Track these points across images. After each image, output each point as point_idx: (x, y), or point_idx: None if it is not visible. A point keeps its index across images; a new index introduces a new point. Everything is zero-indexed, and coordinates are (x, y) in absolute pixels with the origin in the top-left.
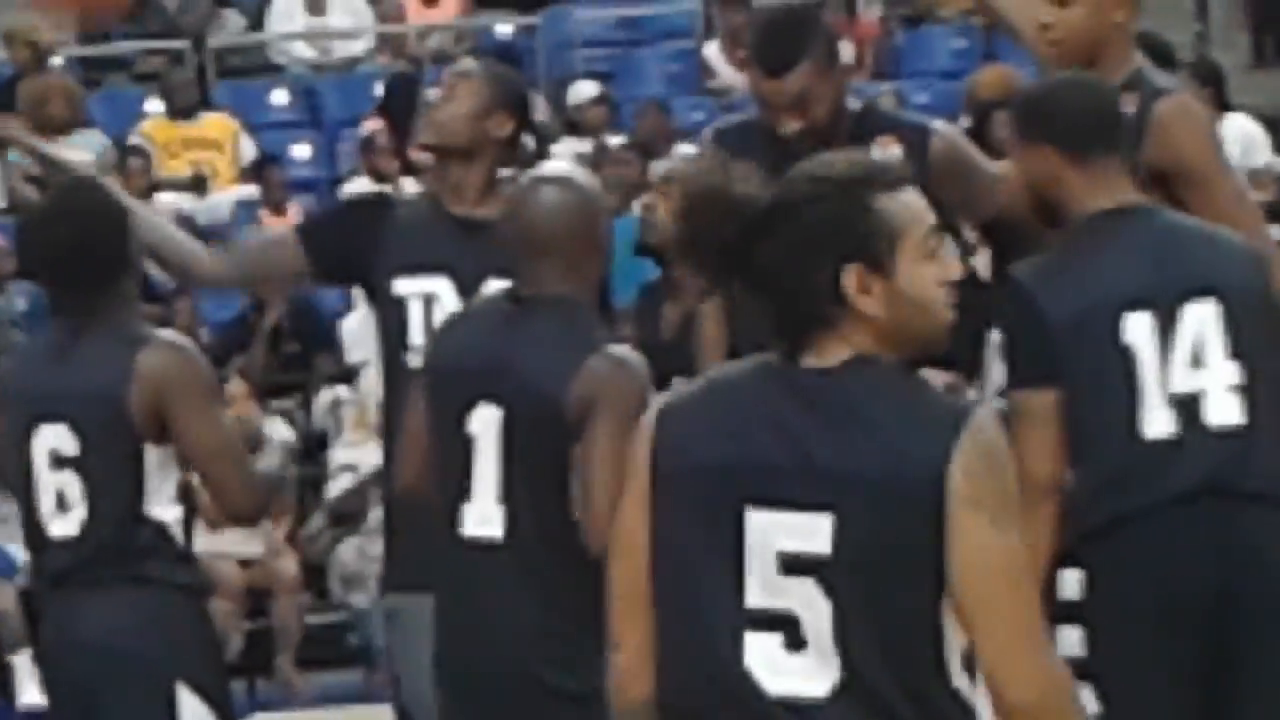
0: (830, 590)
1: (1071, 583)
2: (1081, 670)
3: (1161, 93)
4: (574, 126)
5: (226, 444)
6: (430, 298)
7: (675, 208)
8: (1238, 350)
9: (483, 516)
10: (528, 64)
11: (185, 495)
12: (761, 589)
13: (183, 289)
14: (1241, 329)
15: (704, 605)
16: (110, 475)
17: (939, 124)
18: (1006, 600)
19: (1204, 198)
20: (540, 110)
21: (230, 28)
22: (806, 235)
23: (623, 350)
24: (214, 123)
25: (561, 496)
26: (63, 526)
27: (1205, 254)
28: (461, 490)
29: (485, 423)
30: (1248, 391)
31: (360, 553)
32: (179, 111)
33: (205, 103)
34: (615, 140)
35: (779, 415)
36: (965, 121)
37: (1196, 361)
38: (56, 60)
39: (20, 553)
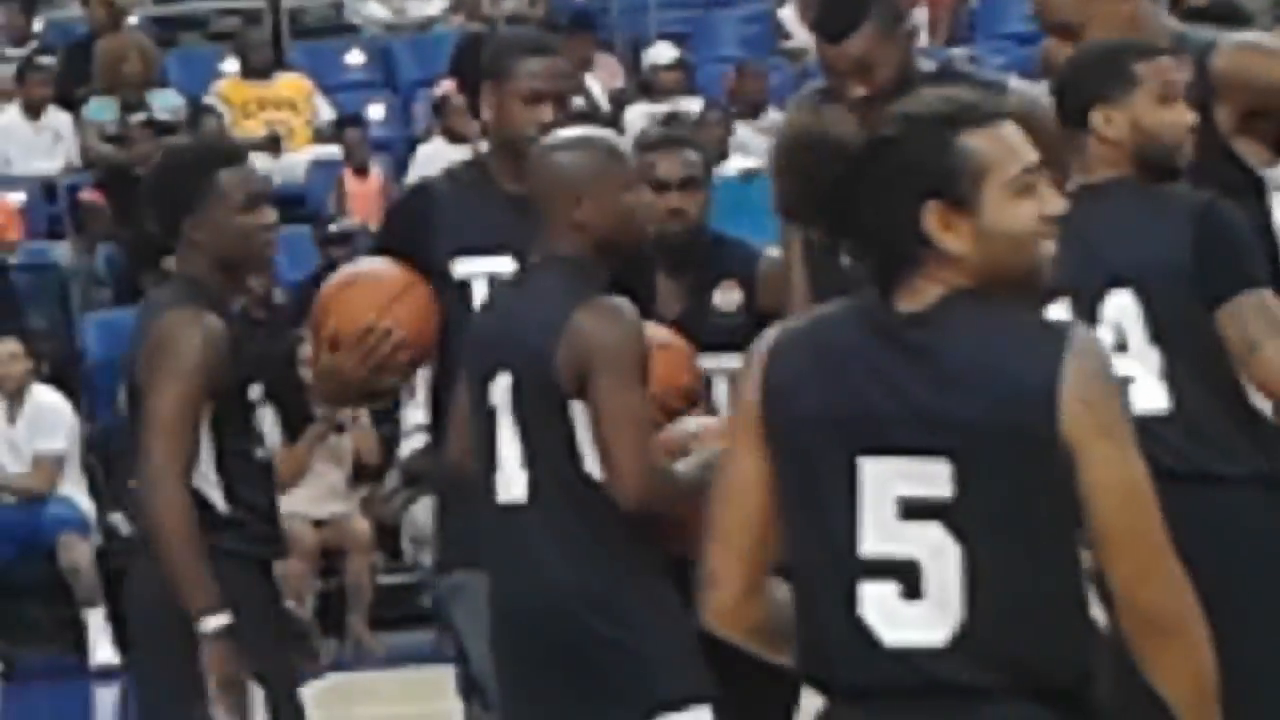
0: (959, 533)
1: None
2: None
3: (1210, 46)
4: (649, 89)
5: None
6: (494, 278)
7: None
8: (1158, 335)
9: (508, 482)
10: (602, 26)
11: (231, 461)
12: (878, 536)
13: None
14: (1163, 313)
15: (818, 556)
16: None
17: (1016, 83)
18: (1145, 521)
19: None
20: (615, 74)
21: None
22: (888, 174)
23: (610, 300)
24: (289, 83)
25: (569, 454)
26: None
27: (1133, 239)
28: (491, 459)
29: (502, 391)
30: (1171, 377)
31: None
32: (254, 71)
33: (280, 63)
34: (692, 103)
35: (879, 364)
36: (1046, 85)
37: (1120, 349)
38: (132, 19)
39: (93, 509)
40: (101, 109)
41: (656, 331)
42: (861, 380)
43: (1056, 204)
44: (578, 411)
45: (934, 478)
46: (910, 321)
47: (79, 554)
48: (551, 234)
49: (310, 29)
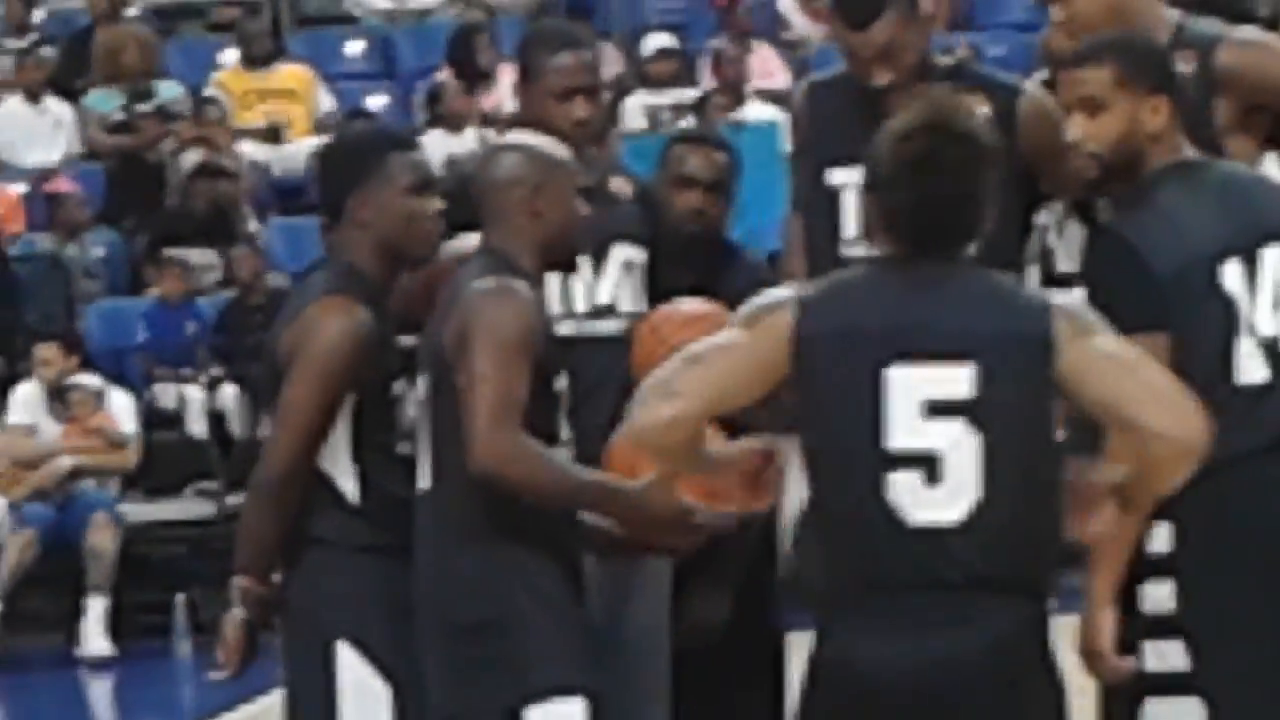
0: (980, 427)
1: (1160, 536)
2: (1170, 625)
3: (1217, 40)
4: (646, 79)
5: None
6: None
7: None
8: None
9: (422, 471)
10: (600, 15)
11: (369, 453)
12: (906, 433)
13: (249, 237)
14: None
15: (848, 451)
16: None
17: (1030, 85)
18: (1138, 372)
19: None
20: (611, 62)
21: None
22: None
23: (504, 280)
24: (289, 73)
25: (457, 436)
26: None
27: (1264, 200)
28: (418, 449)
29: (424, 384)
30: None
31: None
32: (254, 61)
33: (280, 53)
34: (688, 93)
35: (912, 290)
36: (1042, 75)
37: (1277, 304)
38: (132, 10)
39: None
40: (102, 99)
41: (694, 303)
42: (896, 301)
43: None
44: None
45: (957, 380)
46: (934, 266)
47: (106, 538)
48: (495, 227)
49: (310, 18)
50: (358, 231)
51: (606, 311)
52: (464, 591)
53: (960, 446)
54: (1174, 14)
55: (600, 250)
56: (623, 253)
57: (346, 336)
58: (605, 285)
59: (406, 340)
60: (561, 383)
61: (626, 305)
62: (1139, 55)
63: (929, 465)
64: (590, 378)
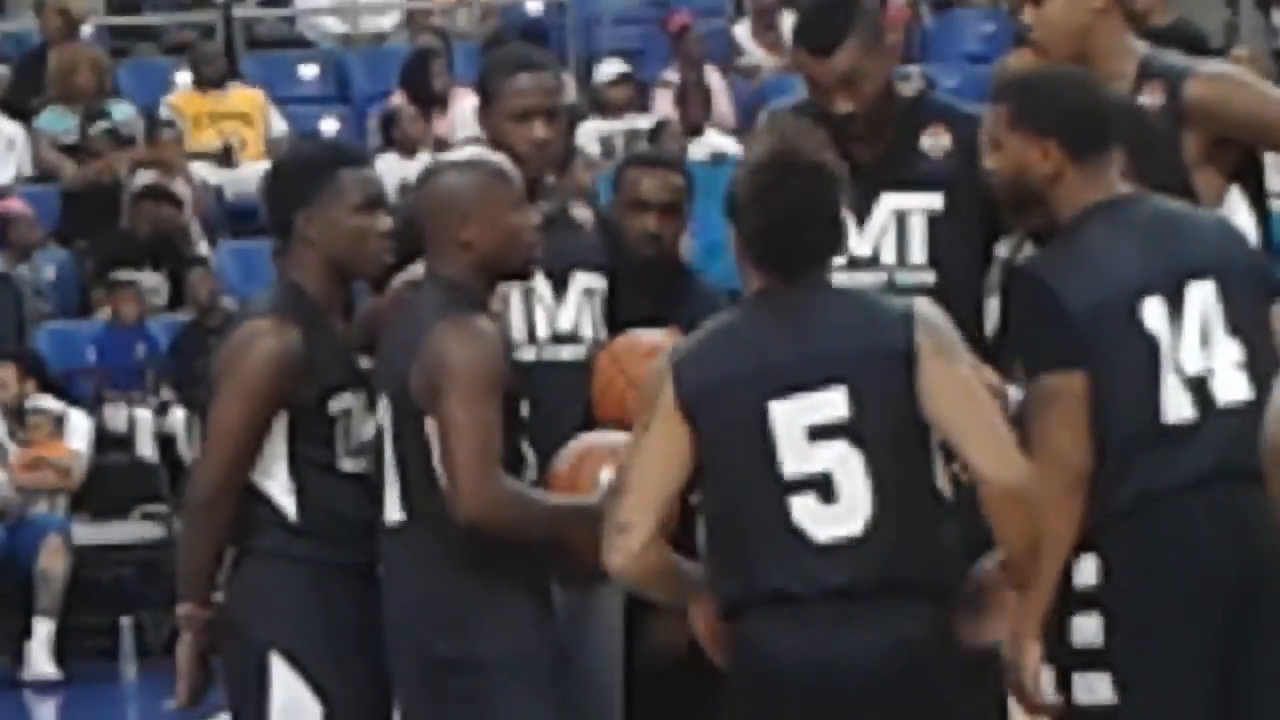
0: (859, 443)
1: (1088, 570)
2: (1098, 658)
3: (1185, 73)
4: (601, 106)
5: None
6: (528, 292)
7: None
8: (1237, 328)
9: (391, 503)
10: (555, 41)
11: (306, 470)
12: (795, 459)
13: (198, 259)
14: (1238, 306)
15: (749, 483)
16: None
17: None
18: (979, 407)
19: None
20: (567, 89)
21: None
22: None
23: (468, 317)
24: (242, 95)
25: (430, 473)
26: None
27: (1197, 235)
28: (381, 480)
29: (383, 412)
30: (1250, 368)
31: None
32: (207, 83)
33: (234, 75)
34: (642, 121)
35: (780, 324)
36: None
37: (1205, 341)
38: (86, 29)
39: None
40: (54, 119)
41: (655, 334)
42: (761, 341)
43: None
44: (431, 428)
45: (832, 404)
46: (792, 295)
47: (57, 561)
48: (436, 254)
49: (263, 41)
50: (306, 249)
51: (568, 338)
52: (439, 626)
53: (847, 464)
54: (1142, 45)
55: (562, 277)
56: (584, 280)
57: (271, 358)
58: (567, 312)
59: (367, 361)
60: (525, 409)
61: (588, 331)
62: (1033, 98)
63: (823, 486)
64: (552, 403)
